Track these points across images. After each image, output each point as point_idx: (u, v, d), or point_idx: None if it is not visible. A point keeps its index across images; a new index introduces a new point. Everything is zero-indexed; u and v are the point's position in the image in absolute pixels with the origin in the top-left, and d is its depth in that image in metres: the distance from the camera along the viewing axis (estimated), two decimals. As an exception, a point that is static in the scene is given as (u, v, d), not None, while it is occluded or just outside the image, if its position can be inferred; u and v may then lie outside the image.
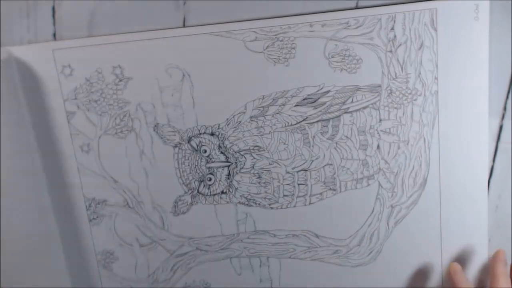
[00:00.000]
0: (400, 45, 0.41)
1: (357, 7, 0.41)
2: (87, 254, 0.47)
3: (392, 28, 0.41)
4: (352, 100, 0.43)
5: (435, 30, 0.41)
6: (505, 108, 0.44)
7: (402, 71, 0.42)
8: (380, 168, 0.44)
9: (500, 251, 0.44)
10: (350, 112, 0.43)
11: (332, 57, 0.42)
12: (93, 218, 0.46)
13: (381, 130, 0.43)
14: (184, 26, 0.42)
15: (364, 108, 0.43)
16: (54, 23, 0.43)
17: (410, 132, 0.43)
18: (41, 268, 0.46)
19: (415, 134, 0.43)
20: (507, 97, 0.43)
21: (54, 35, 0.43)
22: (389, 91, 0.42)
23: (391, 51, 0.41)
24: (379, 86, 0.42)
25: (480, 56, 0.41)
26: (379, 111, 0.43)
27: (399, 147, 0.44)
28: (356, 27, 0.41)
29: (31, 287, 0.46)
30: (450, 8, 0.40)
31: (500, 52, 0.42)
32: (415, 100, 0.42)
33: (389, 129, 0.43)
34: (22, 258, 0.46)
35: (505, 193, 0.45)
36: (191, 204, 0.45)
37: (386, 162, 0.44)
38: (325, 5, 0.41)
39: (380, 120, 0.43)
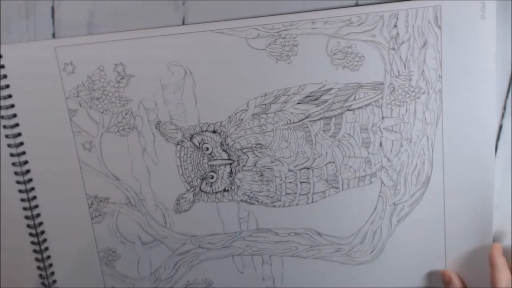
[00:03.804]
0: (403, 42, 0.41)
1: (356, 5, 0.41)
2: (89, 252, 0.47)
3: (395, 26, 0.41)
4: (355, 97, 0.43)
5: (439, 28, 0.40)
6: (505, 108, 0.43)
7: (405, 68, 0.41)
8: (382, 166, 0.44)
9: (497, 245, 0.44)
10: (353, 109, 0.43)
11: (334, 54, 0.42)
12: (96, 216, 0.46)
13: (384, 128, 0.43)
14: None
15: (367, 105, 0.43)
16: (53, 23, 0.42)
17: (413, 130, 0.43)
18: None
19: (418, 132, 0.43)
20: (507, 97, 0.43)
21: (54, 35, 0.43)
22: (391, 89, 0.42)
23: (393, 49, 0.41)
24: (382, 83, 0.42)
25: (486, 55, 0.41)
26: (381, 108, 0.43)
27: (401, 145, 0.43)
28: (358, 24, 0.41)
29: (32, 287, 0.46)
30: (454, 5, 0.40)
31: (500, 51, 0.41)
32: (418, 98, 0.42)
33: (392, 126, 0.43)
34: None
35: (505, 193, 0.45)
36: (193, 202, 0.45)
37: (388, 159, 0.44)
38: (324, 4, 0.41)
39: (383, 117, 0.43)
